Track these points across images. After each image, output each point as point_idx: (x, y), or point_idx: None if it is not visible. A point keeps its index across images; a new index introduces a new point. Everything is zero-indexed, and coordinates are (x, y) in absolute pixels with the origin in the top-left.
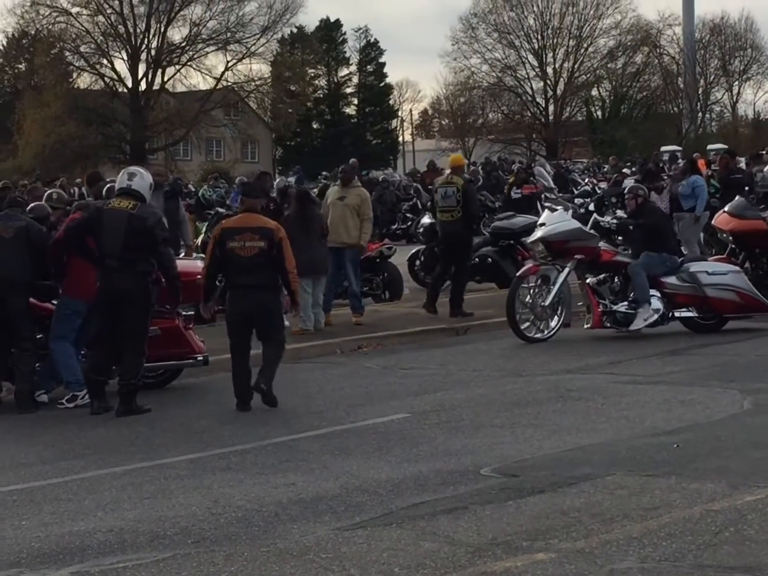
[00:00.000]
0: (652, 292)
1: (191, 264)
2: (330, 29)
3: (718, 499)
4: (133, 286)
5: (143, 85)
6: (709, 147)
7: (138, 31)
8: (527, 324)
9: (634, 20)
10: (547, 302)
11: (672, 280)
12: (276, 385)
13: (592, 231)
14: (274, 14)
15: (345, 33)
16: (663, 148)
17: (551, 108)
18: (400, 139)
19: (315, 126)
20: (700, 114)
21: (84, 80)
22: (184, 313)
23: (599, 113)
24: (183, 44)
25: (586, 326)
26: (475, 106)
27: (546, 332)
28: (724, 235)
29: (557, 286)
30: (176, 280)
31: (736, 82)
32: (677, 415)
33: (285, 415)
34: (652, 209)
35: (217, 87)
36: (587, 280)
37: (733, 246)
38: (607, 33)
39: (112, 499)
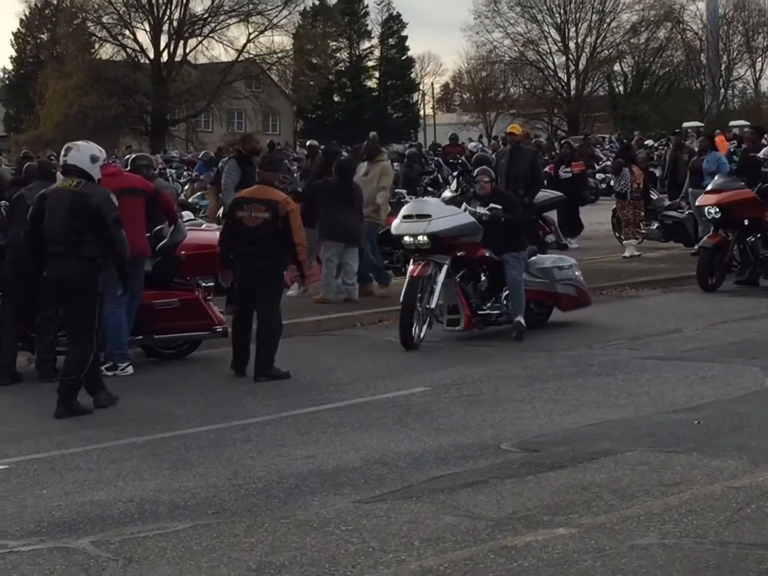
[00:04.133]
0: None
1: (212, 236)
2: (352, 2)
3: (740, 476)
4: (77, 274)
5: (165, 57)
6: (732, 123)
7: (160, 2)
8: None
9: None
10: (433, 304)
11: (524, 276)
12: (295, 357)
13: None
14: None
15: (367, 6)
16: (685, 124)
17: (573, 83)
18: (421, 112)
19: (336, 99)
20: (722, 90)
21: (106, 51)
22: (203, 284)
23: (621, 89)
24: (205, 15)
25: (457, 328)
26: (496, 81)
27: (422, 335)
28: (711, 213)
29: (438, 287)
30: (124, 264)
31: (760, 59)
32: (698, 391)
33: (305, 387)
34: (508, 197)
35: (239, 59)
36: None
37: (720, 224)
38: (630, 8)
39: (133, 468)
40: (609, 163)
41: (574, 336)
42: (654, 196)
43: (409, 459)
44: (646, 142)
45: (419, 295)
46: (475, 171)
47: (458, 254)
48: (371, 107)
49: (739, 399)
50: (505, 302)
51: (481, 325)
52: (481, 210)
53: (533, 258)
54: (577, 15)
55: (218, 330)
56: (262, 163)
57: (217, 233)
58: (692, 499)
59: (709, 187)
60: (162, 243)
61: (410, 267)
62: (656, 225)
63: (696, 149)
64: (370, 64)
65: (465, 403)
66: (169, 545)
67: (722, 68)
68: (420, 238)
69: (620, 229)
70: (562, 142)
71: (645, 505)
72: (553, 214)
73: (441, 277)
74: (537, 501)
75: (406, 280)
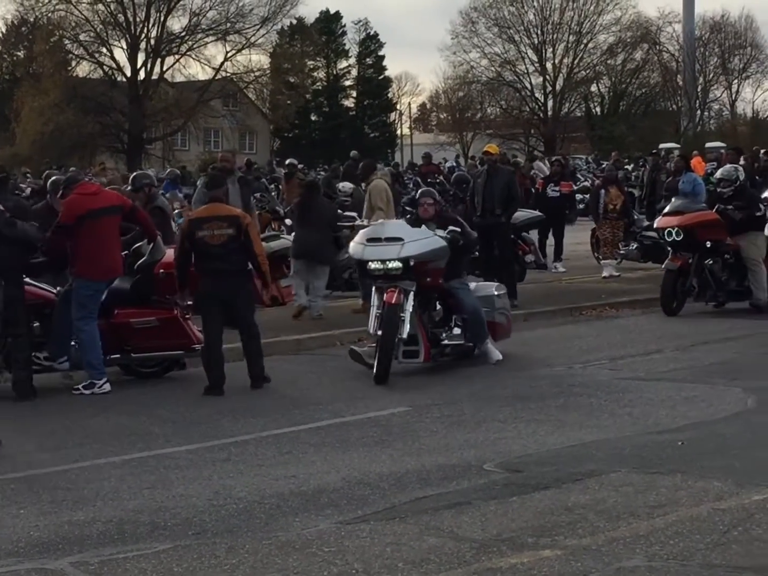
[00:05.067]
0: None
1: None
2: (330, 21)
3: (725, 497)
4: None
5: (142, 75)
6: (708, 145)
7: (138, 20)
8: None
9: (634, 17)
10: (404, 334)
11: None
12: (276, 376)
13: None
14: (274, 5)
15: (345, 25)
16: (661, 146)
17: (550, 103)
18: (399, 132)
19: (313, 118)
20: (698, 112)
21: (83, 69)
22: (182, 303)
23: (598, 109)
24: (182, 34)
25: (416, 360)
26: (473, 101)
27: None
28: (672, 234)
29: (408, 315)
30: None
31: (736, 81)
32: (681, 412)
33: (285, 406)
34: (456, 220)
35: (216, 77)
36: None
37: (680, 246)
38: (607, 29)
39: (112, 488)
40: (587, 183)
41: (554, 356)
42: (635, 216)
43: (391, 479)
44: (626, 166)
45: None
46: (418, 193)
47: (427, 280)
48: (348, 126)
49: (722, 420)
50: (456, 333)
51: (438, 357)
52: (439, 233)
53: (473, 285)
54: (555, 36)
55: (197, 348)
56: (208, 184)
57: None
58: (678, 521)
59: (668, 209)
60: (141, 261)
61: (384, 295)
62: (635, 245)
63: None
64: (348, 83)
65: (447, 423)
66: (149, 566)
67: (698, 90)
68: (391, 263)
69: (599, 249)
70: (554, 159)
71: (631, 527)
72: (533, 235)
73: (410, 305)
74: (521, 522)
75: (381, 310)
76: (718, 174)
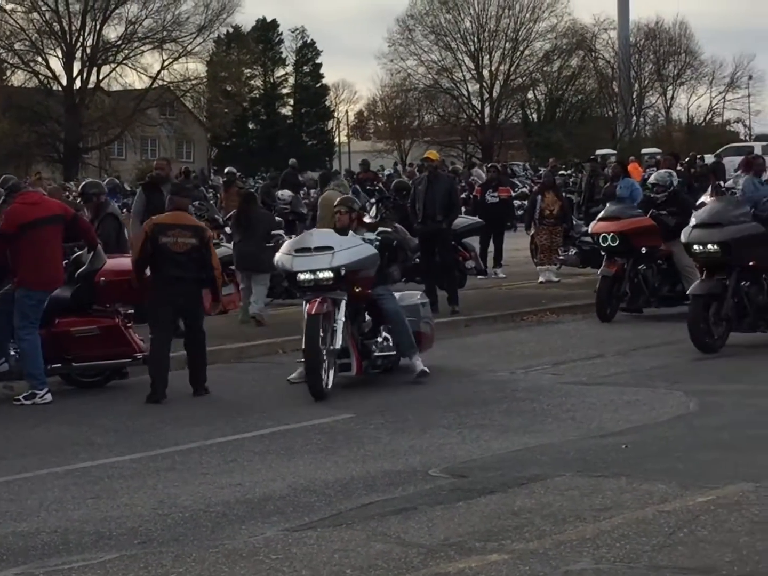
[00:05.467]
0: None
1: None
2: (266, 29)
3: (670, 500)
4: None
5: (78, 84)
6: (644, 151)
7: (73, 28)
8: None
9: (569, 24)
10: (338, 345)
11: None
12: (219, 384)
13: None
14: (210, 13)
15: (281, 33)
16: (598, 152)
17: (487, 110)
18: (336, 140)
19: (251, 126)
20: (634, 118)
21: (18, 78)
22: (123, 311)
23: (535, 116)
24: (119, 42)
25: (348, 373)
26: (411, 108)
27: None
28: (608, 240)
29: (341, 325)
30: None
31: (670, 87)
32: (624, 416)
33: (228, 414)
34: (388, 240)
35: (153, 86)
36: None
37: (615, 252)
38: (543, 36)
39: (56, 499)
40: (525, 189)
41: (496, 361)
42: (574, 222)
43: (337, 486)
44: (560, 172)
45: (321, 336)
46: (336, 201)
47: (356, 290)
48: (286, 135)
49: (665, 423)
50: (385, 345)
51: (370, 369)
52: (369, 236)
53: (398, 294)
54: (491, 43)
55: (139, 357)
56: (175, 190)
57: None
58: (624, 523)
59: (602, 214)
60: (81, 269)
61: (306, 305)
62: (574, 251)
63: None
64: (285, 91)
65: (391, 429)
66: None
67: (634, 96)
68: (322, 273)
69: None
70: (489, 165)
71: (577, 531)
72: (474, 241)
73: (341, 315)
74: (468, 527)
75: (305, 320)
76: (652, 179)
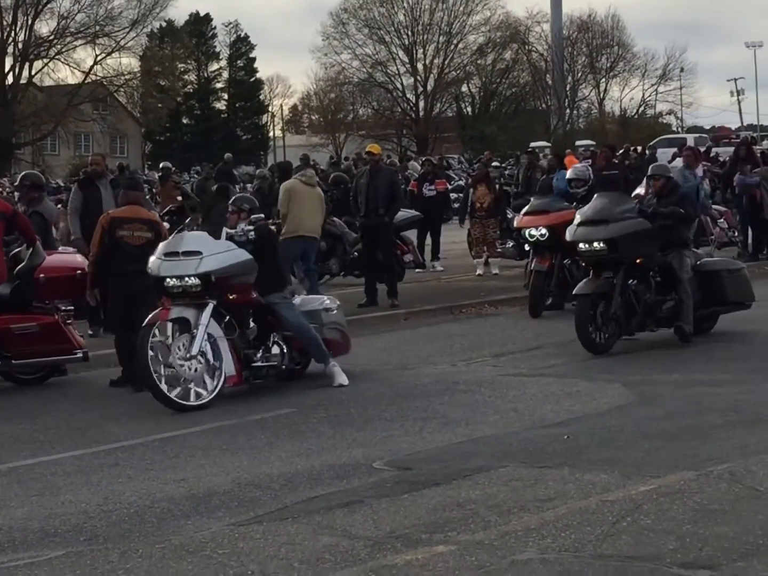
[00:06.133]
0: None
1: (70, 258)
2: (200, 24)
3: (613, 489)
4: None
5: (10, 79)
6: (578, 143)
7: (5, 23)
8: (178, 389)
9: (503, 17)
10: (193, 351)
11: None
12: None
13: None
14: (143, 8)
15: (215, 27)
16: (532, 144)
17: (422, 104)
18: (271, 134)
19: (185, 121)
20: (568, 110)
21: None
22: (63, 308)
23: (469, 109)
24: (51, 37)
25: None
26: (345, 102)
27: (206, 394)
28: (535, 235)
29: (202, 330)
30: None
31: (603, 79)
32: (565, 407)
33: (168, 411)
34: (264, 229)
35: (86, 81)
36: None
37: (543, 247)
38: (477, 29)
39: None
40: (461, 182)
41: (437, 354)
42: (509, 215)
43: (281, 480)
44: (494, 163)
45: (162, 344)
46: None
47: (231, 297)
48: (220, 129)
49: (605, 413)
50: (275, 353)
51: (252, 380)
52: (244, 227)
53: (298, 299)
54: (425, 36)
55: (79, 354)
56: (129, 184)
57: (76, 256)
58: (568, 513)
59: (528, 208)
60: (20, 266)
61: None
62: (511, 244)
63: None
64: (219, 85)
65: (334, 423)
66: (42, 573)
67: (567, 89)
68: (189, 279)
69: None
70: (424, 159)
71: (522, 521)
72: (411, 234)
73: (205, 318)
74: (414, 519)
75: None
76: (570, 174)
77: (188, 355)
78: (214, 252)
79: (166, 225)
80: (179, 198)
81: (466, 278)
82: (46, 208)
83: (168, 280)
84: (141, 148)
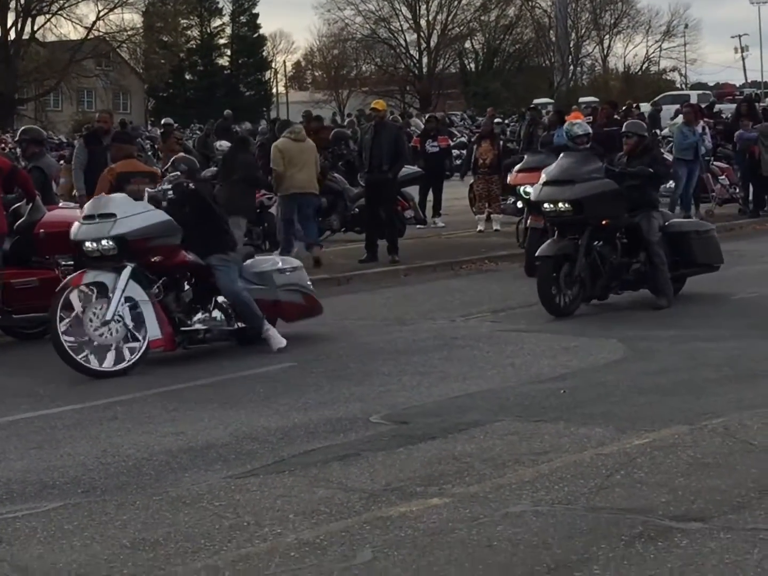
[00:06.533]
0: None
1: (70, 213)
2: None
3: (607, 443)
4: None
5: (12, 35)
6: (581, 100)
7: None
8: (90, 354)
9: None
10: (108, 316)
11: (240, 282)
12: None
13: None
14: None
15: None
16: (535, 101)
17: (425, 60)
18: (274, 90)
19: (188, 77)
20: (571, 67)
21: None
22: (63, 263)
23: (472, 66)
24: None
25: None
26: (348, 58)
27: (128, 358)
28: (529, 191)
29: (117, 294)
30: None
31: (607, 36)
32: (562, 362)
33: (168, 365)
34: (180, 188)
35: (89, 37)
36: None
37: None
38: None
39: None
40: (463, 139)
41: (436, 309)
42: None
43: (279, 434)
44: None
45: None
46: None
47: (153, 260)
48: (223, 85)
49: (602, 368)
50: (215, 316)
51: (186, 344)
52: (162, 187)
53: (249, 261)
54: None
55: None
56: (121, 137)
57: (76, 211)
58: (562, 466)
59: (521, 165)
60: (20, 221)
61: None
62: (512, 200)
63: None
64: (222, 41)
65: (332, 377)
66: (40, 525)
67: (571, 45)
68: (104, 242)
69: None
70: (428, 116)
71: (516, 474)
72: (413, 191)
73: (121, 285)
74: (409, 472)
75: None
76: (572, 128)
77: (104, 320)
78: (129, 214)
79: None
80: (182, 154)
81: (467, 234)
82: (47, 163)
83: (86, 244)
84: (144, 104)
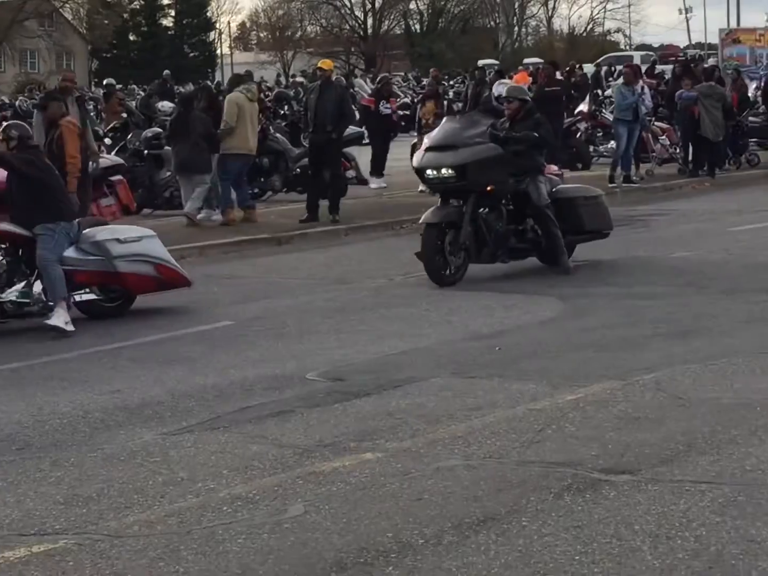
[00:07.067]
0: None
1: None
2: None
3: (540, 398)
4: None
5: None
6: (525, 60)
7: None
8: None
9: None
10: None
11: (71, 253)
12: None
13: None
14: None
15: None
16: (480, 62)
17: (369, 21)
18: (219, 51)
19: (132, 38)
20: (516, 28)
21: None
22: None
23: (417, 27)
24: None
25: None
26: (293, 19)
27: None
28: None
29: None
30: None
31: None
32: (499, 319)
33: (106, 324)
34: (23, 161)
35: None
36: None
37: None
38: None
39: None
40: (407, 100)
41: (375, 269)
42: None
43: (215, 391)
44: (442, 82)
45: None
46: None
47: None
48: (167, 46)
49: (538, 325)
50: (36, 290)
51: (3, 317)
52: None
53: (86, 231)
54: None
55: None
56: (50, 98)
57: None
58: (495, 421)
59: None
60: None
61: None
62: None
63: None
64: (166, 2)
65: (270, 335)
66: None
67: (516, 6)
68: None
69: None
70: (381, 76)
71: (449, 429)
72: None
73: None
74: (344, 428)
75: None
76: (499, 90)
77: None
78: None
79: (108, 141)
80: (124, 115)
81: (408, 194)
82: None
83: None
84: (87, 65)
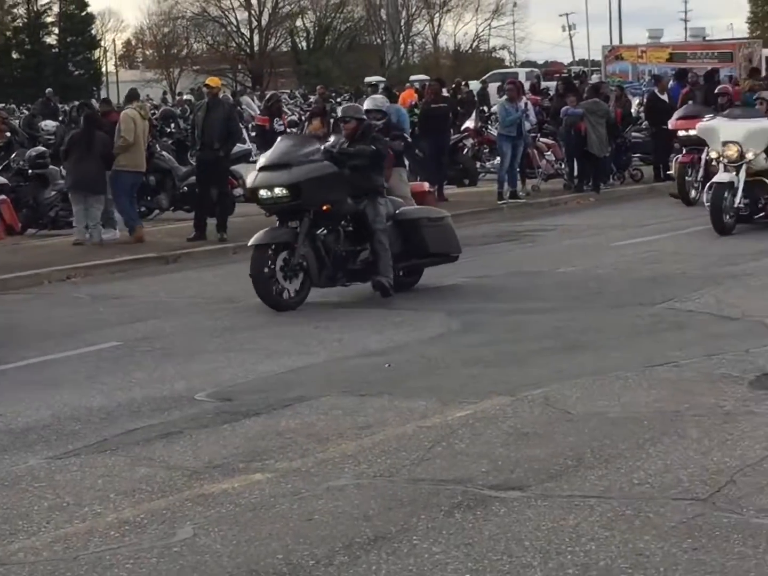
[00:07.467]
0: None
1: None
2: None
3: (430, 415)
4: None
5: None
6: (412, 78)
7: None
8: None
9: None
10: None
11: None
12: None
13: None
14: None
15: None
16: (367, 79)
17: (256, 39)
18: (104, 69)
19: (15, 56)
20: (402, 45)
21: None
22: None
23: (304, 44)
24: None
25: None
26: (179, 37)
27: None
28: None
29: None
30: None
31: (437, 14)
32: (389, 336)
33: None
34: None
35: None
36: None
37: None
38: None
39: None
40: (294, 117)
41: None
42: None
43: (102, 413)
44: (330, 99)
45: None
46: None
47: None
48: (51, 64)
49: (427, 342)
50: None
51: None
52: None
53: None
54: None
55: None
56: None
57: None
58: (385, 440)
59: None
60: None
61: None
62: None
63: None
64: (49, 20)
65: (157, 356)
66: None
67: (402, 24)
68: None
69: None
70: (271, 94)
71: (339, 448)
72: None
73: None
74: (233, 449)
75: None
76: (368, 104)
77: None
78: None
79: None
80: (8, 134)
81: None
82: None
83: None
84: None
